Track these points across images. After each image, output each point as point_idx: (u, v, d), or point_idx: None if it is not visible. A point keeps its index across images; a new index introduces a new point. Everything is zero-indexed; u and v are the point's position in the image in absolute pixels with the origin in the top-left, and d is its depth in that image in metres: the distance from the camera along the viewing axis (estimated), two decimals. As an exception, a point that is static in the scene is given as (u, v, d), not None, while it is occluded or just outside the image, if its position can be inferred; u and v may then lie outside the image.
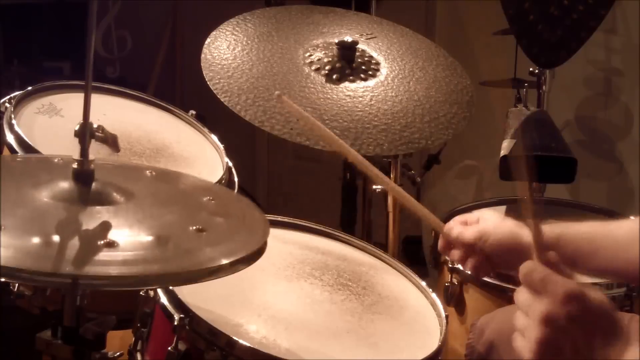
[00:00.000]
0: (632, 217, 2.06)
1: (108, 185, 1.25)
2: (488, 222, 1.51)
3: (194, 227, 1.20)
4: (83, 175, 1.22)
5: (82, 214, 1.18)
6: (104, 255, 1.10)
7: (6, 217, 1.11)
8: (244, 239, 1.23)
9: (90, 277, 1.08)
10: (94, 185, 1.23)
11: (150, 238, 1.16)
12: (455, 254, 1.52)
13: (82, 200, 1.20)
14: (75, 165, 1.22)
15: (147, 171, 1.41)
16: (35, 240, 1.10)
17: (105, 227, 1.15)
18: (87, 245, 1.10)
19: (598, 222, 1.53)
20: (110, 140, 1.28)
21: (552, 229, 1.47)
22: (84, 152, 1.22)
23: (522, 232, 1.46)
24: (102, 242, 1.11)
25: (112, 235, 1.13)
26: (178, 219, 1.24)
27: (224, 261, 1.15)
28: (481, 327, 1.50)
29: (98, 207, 1.19)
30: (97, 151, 1.26)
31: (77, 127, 1.22)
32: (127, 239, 1.14)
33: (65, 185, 1.22)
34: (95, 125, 1.24)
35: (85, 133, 1.22)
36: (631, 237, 1.44)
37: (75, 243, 1.10)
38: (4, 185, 1.21)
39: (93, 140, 1.24)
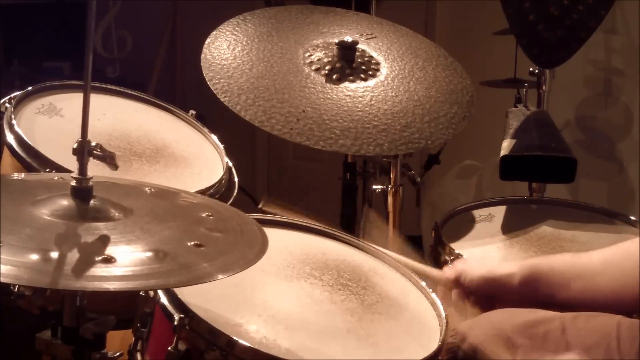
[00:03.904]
0: (632, 218, 2.08)
1: (107, 202, 1.25)
2: (467, 262, 1.64)
3: (192, 243, 1.21)
4: (82, 192, 1.22)
5: (81, 231, 1.18)
6: (102, 270, 1.10)
7: (5, 234, 1.12)
8: (241, 253, 1.23)
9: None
10: (92, 202, 1.23)
11: (148, 254, 1.16)
12: (455, 294, 1.61)
13: (80, 217, 1.20)
14: (73, 183, 1.22)
15: (146, 188, 1.41)
16: (34, 256, 1.10)
17: (104, 242, 1.16)
18: (85, 261, 1.10)
19: (569, 254, 1.61)
20: (108, 158, 1.28)
21: (524, 265, 1.54)
22: (82, 169, 1.23)
23: (496, 269, 1.57)
24: (100, 257, 1.12)
25: (110, 250, 1.14)
26: (176, 235, 1.24)
27: (221, 276, 1.16)
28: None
29: (96, 224, 1.20)
30: (95, 167, 1.26)
31: (75, 145, 1.23)
32: (125, 254, 1.15)
33: (64, 202, 1.22)
34: (93, 143, 1.24)
35: (84, 150, 1.22)
36: (600, 266, 1.49)
37: (73, 259, 1.10)
38: (4, 202, 1.21)
39: (91, 158, 1.24)
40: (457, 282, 1.60)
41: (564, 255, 1.60)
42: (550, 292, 1.51)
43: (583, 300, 1.48)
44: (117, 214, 1.23)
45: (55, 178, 1.39)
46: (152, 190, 1.41)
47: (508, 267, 1.57)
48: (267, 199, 1.78)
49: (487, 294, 1.58)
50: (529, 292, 1.53)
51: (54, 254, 1.11)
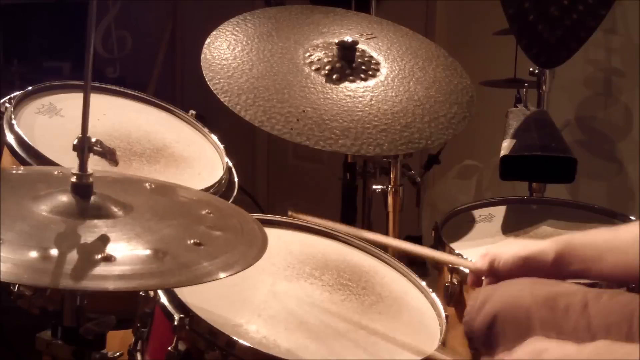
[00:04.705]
0: (632, 218, 2.08)
1: (107, 199, 1.25)
2: (497, 248, 1.61)
3: (192, 241, 1.21)
4: (82, 188, 1.22)
5: (81, 228, 1.18)
6: (102, 269, 1.10)
7: (5, 231, 1.11)
8: (241, 252, 1.23)
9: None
10: (92, 198, 1.23)
11: (147, 252, 1.16)
12: (486, 283, 1.59)
13: (80, 214, 1.20)
14: (74, 179, 1.22)
15: (147, 184, 1.41)
16: (33, 254, 1.09)
17: (104, 241, 1.15)
18: (85, 260, 1.10)
19: (604, 228, 1.60)
20: (108, 154, 1.28)
21: (558, 240, 1.52)
22: (82, 165, 1.22)
23: (529, 246, 1.54)
24: (99, 256, 1.11)
25: (110, 249, 1.14)
26: (176, 233, 1.24)
27: (221, 275, 1.16)
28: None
29: (96, 221, 1.20)
30: (95, 164, 1.26)
31: (75, 141, 1.23)
32: (125, 253, 1.14)
33: (64, 198, 1.22)
34: (93, 140, 1.24)
35: (84, 147, 1.22)
36: (632, 240, 1.46)
37: (73, 257, 1.10)
38: (4, 199, 1.21)
39: (91, 154, 1.24)
40: (491, 269, 1.57)
41: (600, 229, 1.58)
42: (584, 267, 1.49)
43: (615, 274, 1.47)
44: (117, 211, 1.23)
45: (55, 172, 1.38)
46: (152, 185, 1.40)
47: (542, 243, 1.55)
48: (295, 210, 1.80)
49: (520, 276, 1.56)
50: (563, 267, 1.50)
51: (54, 253, 1.10)
